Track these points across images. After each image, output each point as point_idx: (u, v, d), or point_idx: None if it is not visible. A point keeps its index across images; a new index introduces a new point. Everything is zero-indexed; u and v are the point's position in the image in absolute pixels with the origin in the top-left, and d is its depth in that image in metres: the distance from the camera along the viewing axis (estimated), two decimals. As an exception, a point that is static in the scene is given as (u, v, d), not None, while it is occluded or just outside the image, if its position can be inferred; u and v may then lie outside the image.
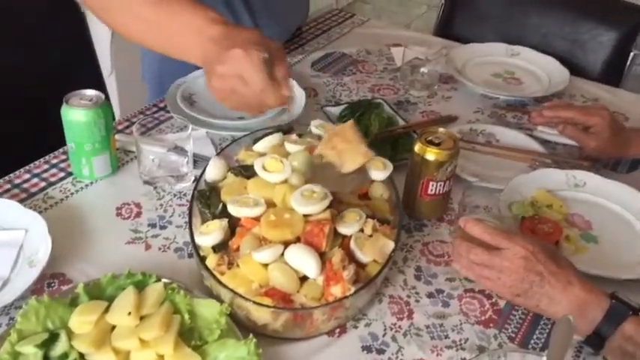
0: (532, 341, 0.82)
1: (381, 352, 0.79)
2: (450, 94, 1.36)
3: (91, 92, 1.00)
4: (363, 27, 1.64)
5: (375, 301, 0.85)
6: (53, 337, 0.72)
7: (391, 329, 0.82)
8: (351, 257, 0.81)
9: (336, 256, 0.78)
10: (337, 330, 0.81)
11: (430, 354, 0.79)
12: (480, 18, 1.76)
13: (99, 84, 1.42)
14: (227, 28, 0.88)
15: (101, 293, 0.78)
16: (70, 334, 0.72)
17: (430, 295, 0.87)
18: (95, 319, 0.73)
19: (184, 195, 1.01)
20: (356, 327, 0.82)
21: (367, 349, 0.79)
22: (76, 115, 0.97)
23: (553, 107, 1.16)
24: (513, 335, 0.82)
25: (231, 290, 0.77)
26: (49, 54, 1.31)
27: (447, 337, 0.81)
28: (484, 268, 0.79)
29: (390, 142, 1.14)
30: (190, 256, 0.91)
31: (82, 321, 0.73)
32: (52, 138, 1.04)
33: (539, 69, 1.46)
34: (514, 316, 0.85)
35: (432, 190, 0.96)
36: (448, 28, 1.78)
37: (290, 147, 0.94)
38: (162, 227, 0.95)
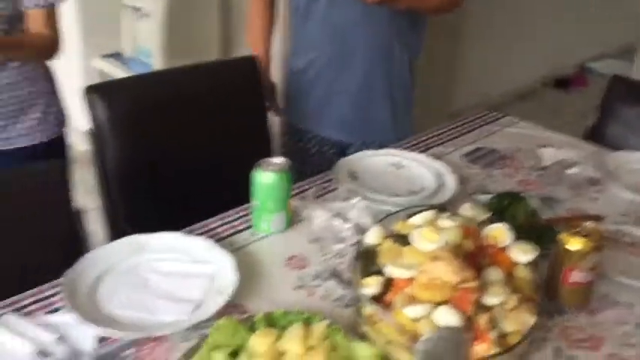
0: None
1: (515, 417, 0.85)
2: (597, 195, 1.41)
3: (277, 160, 1.20)
4: (513, 127, 1.75)
5: (513, 372, 0.92)
6: (236, 351, 0.87)
7: (527, 399, 0.88)
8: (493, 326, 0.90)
9: (483, 318, 0.87)
10: (475, 391, 0.89)
11: None
12: (632, 130, 1.80)
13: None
14: None
15: (274, 324, 0.93)
16: (249, 352, 0.87)
17: (568, 375, 0.92)
18: (271, 341, 0.88)
19: (343, 255, 1.16)
20: (493, 391, 0.89)
21: (502, 412, 0.86)
22: (265, 177, 1.17)
23: None
24: None
25: (385, 338, 0.88)
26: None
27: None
28: None
29: (534, 233, 1.22)
30: (347, 306, 1.04)
31: (260, 342, 0.88)
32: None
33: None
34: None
35: (573, 279, 1.03)
36: (598, 138, 1.83)
37: (444, 223, 1.06)
38: (325, 279, 1.10)
